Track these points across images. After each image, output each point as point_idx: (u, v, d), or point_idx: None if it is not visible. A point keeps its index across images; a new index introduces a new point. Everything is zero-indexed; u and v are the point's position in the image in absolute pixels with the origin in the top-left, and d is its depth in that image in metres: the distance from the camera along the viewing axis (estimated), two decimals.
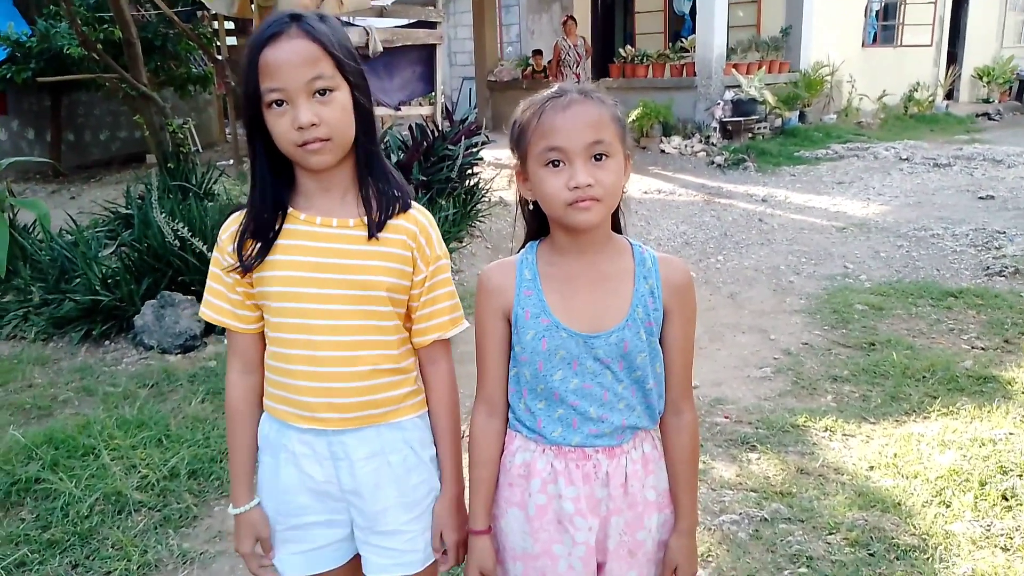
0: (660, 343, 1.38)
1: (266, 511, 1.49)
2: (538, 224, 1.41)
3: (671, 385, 1.41)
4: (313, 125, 1.28)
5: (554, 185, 1.27)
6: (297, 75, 1.27)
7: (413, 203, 1.44)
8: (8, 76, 9.53)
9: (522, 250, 1.42)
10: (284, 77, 1.27)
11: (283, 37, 1.28)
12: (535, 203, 1.36)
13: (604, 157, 1.27)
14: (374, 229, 1.37)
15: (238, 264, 1.38)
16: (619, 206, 1.38)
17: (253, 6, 5.87)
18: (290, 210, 1.39)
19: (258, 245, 1.37)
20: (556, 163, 1.27)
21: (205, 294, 1.46)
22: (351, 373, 1.38)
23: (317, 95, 1.29)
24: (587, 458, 1.37)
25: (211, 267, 1.45)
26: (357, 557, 1.53)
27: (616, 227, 1.42)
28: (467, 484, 1.49)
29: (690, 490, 1.44)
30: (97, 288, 4.58)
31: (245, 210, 1.41)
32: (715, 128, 11.08)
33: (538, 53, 14.03)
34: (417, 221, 1.42)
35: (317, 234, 1.37)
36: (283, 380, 1.41)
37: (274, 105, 1.29)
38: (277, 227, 1.37)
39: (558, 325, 1.33)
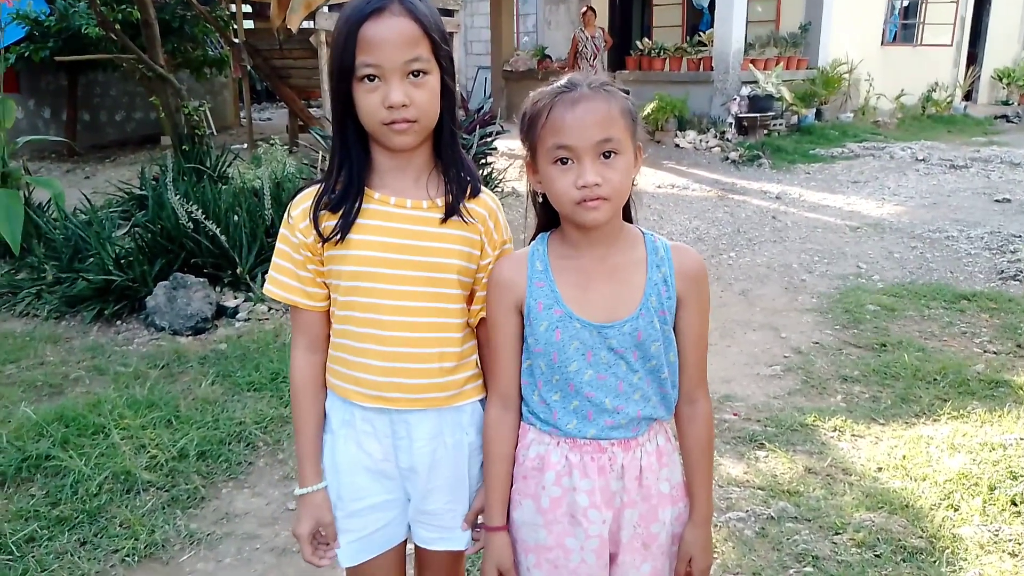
0: (674, 332, 1.38)
1: (329, 495, 1.49)
2: (549, 216, 1.40)
3: (685, 374, 1.41)
4: (404, 106, 1.27)
5: (562, 183, 1.27)
6: (396, 54, 1.27)
7: (483, 187, 1.45)
8: (26, 55, 9.55)
9: (533, 242, 1.41)
10: (382, 54, 1.26)
11: (386, 13, 1.26)
12: (545, 195, 1.35)
13: (613, 154, 1.26)
14: (451, 211, 1.38)
15: (319, 239, 1.37)
16: (630, 197, 1.37)
17: None
18: (364, 189, 1.38)
19: (339, 220, 1.36)
20: (564, 160, 1.26)
21: (271, 271, 1.44)
22: (419, 354, 1.39)
23: (411, 76, 1.29)
24: (602, 451, 1.36)
25: (279, 244, 1.43)
26: (403, 544, 1.55)
27: (628, 216, 1.41)
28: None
29: (705, 481, 1.43)
30: (110, 268, 4.60)
31: (317, 186, 1.40)
32: (730, 124, 11.02)
33: (547, 57, 13.96)
34: (487, 205, 1.43)
35: (392, 214, 1.37)
36: (350, 358, 1.42)
37: (366, 80, 1.28)
38: (357, 205, 1.37)
39: (571, 316, 1.32)
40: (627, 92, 1.31)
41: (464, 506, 1.50)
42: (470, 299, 1.46)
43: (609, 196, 1.26)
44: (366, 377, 1.40)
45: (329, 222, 1.37)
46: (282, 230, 1.43)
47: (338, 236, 1.36)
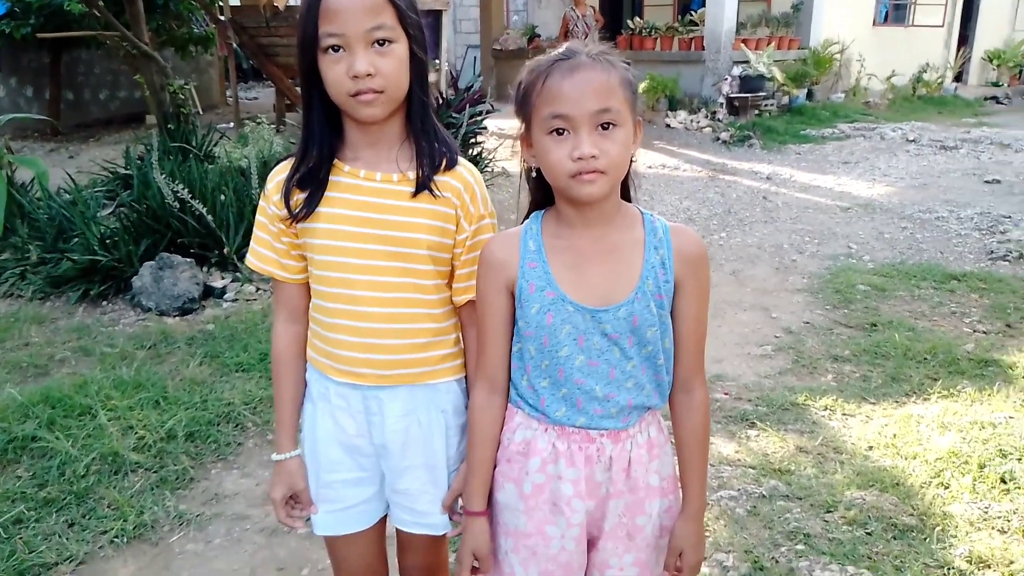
0: (671, 317, 1.32)
1: (305, 463, 1.50)
2: (543, 193, 1.35)
3: (682, 361, 1.35)
4: (369, 75, 1.24)
5: (557, 155, 1.21)
6: (358, 22, 1.24)
7: (460, 159, 1.40)
8: (7, 32, 9.39)
9: (526, 221, 1.36)
10: (344, 23, 1.24)
11: None
12: (539, 171, 1.30)
13: (611, 126, 1.20)
14: (422, 186, 1.34)
15: (287, 214, 1.36)
16: (629, 174, 1.32)
17: None
18: (335, 161, 1.36)
19: (306, 195, 1.35)
20: (560, 131, 1.20)
21: (251, 243, 1.45)
22: (390, 330, 1.37)
23: (376, 45, 1.25)
24: (591, 441, 1.32)
25: (257, 216, 1.43)
26: (383, 520, 1.55)
27: (626, 195, 1.35)
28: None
29: (699, 473, 1.38)
30: (95, 248, 4.54)
31: (291, 159, 1.39)
32: (722, 104, 10.98)
33: (537, 36, 13.86)
34: (463, 178, 1.39)
35: (361, 187, 1.35)
36: (324, 333, 1.41)
37: (330, 51, 1.26)
38: (324, 180, 1.35)
39: (564, 298, 1.27)
40: (628, 64, 1.26)
41: (441, 489, 1.48)
42: (452, 276, 1.44)
43: (606, 169, 1.20)
44: (338, 352, 1.40)
45: (300, 197, 1.36)
46: (260, 202, 1.43)
47: (303, 212, 1.35)
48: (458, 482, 1.47)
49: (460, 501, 1.47)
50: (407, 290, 1.38)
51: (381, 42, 1.25)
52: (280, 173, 1.39)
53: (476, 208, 1.40)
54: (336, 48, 1.25)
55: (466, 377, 1.48)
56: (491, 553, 1.41)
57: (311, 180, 1.35)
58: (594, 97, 1.19)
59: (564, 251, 1.30)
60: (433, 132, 1.38)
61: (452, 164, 1.38)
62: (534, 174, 1.33)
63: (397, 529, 1.55)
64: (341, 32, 1.24)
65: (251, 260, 1.45)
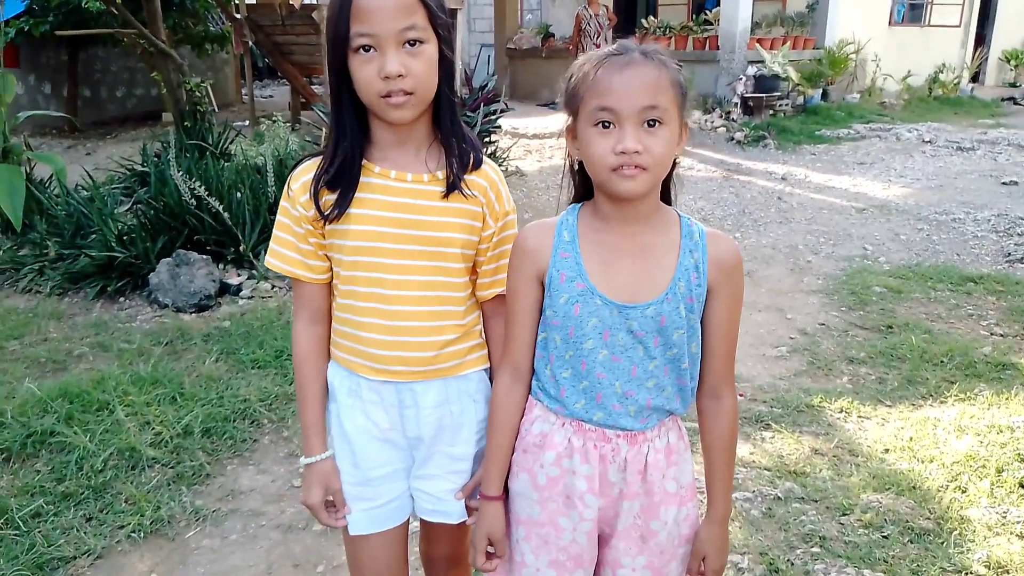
0: (701, 323, 1.32)
1: (337, 463, 1.49)
2: (586, 187, 1.35)
3: (711, 368, 1.34)
4: (400, 76, 1.24)
5: (601, 147, 1.21)
6: (390, 22, 1.23)
7: (484, 158, 1.42)
8: (26, 29, 9.47)
9: (564, 212, 1.36)
10: (376, 23, 1.23)
11: None
12: (583, 164, 1.30)
13: (657, 124, 1.20)
14: (452, 186, 1.35)
15: (318, 215, 1.35)
16: (671, 176, 1.31)
17: None
18: (364, 162, 1.36)
19: (336, 196, 1.35)
20: (606, 124, 1.21)
21: (272, 244, 1.44)
22: (421, 328, 1.39)
23: (407, 45, 1.25)
24: (607, 440, 1.32)
25: (279, 217, 1.42)
26: (406, 523, 1.55)
27: (666, 197, 1.35)
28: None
29: (725, 478, 1.38)
30: (112, 244, 4.57)
31: (316, 159, 1.38)
32: (736, 103, 10.92)
33: (551, 36, 13.85)
34: (488, 177, 1.41)
35: (393, 188, 1.35)
36: (353, 332, 1.41)
37: (361, 51, 1.25)
38: (356, 181, 1.35)
39: (593, 291, 1.27)
40: (680, 66, 1.26)
41: (463, 477, 1.49)
42: (474, 270, 1.45)
43: (648, 166, 1.20)
44: (370, 351, 1.40)
45: (329, 197, 1.35)
46: (283, 202, 1.42)
47: (335, 213, 1.35)
48: (478, 474, 1.48)
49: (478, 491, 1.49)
50: (438, 288, 1.39)
51: (412, 43, 1.25)
52: (306, 173, 1.38)
53: (501, 205, 1.42)
54: (367, 48, 1.25)
55: (491, 367, 1.50)
56: (504, 538, 1.42)
57: (342, 180, 1.35)
58: (642, 93, 1.19)
59: (598, 245, 1.30)
60: (461, 132, 1.38)
61: (479, 163, 1.40)
62: (577, 167, 1.33)
63: (421, 520, 1.56)
64: (373, 32, 1.23)
65: (272, 262, 1.44)
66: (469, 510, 1.50)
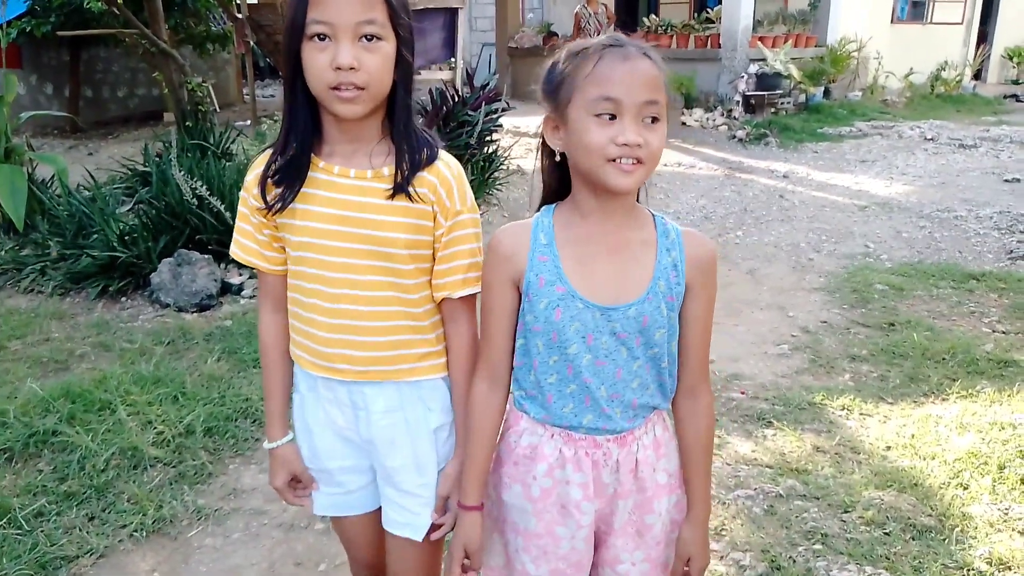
0: (679, 320, 1.31)
1: (299, 448, 1.52)
2: (558, 185, 1.32)
3: (688, 366, 1.33)
4: (352, 68, 1.22)
5: (600, 137, 1.17)
6: (349, 13, 1.21)
7: (442, 153, 1.36)
8: (28, 30, 9.48)
9: (538, 212, 1.33)
10: (335, 11, 1.21)
11: None
12: (558, 161, 1.27)
13: (655, 120, 1.19)
14: (399, 188, 1.31)
15: (264, 206, 1.36)
16: None
17: None
18: (312, 156, 1.35)
19: (282, 190, 1.34)
20: (611, 116, 1.17)
21: (235, 234, 1.45)
22: (367, 327, 1.36)
23: (364, 39, 1.23)
24: (597, 446, 1.31)
25: (239, 207, 1.43)
26: (379, 509, 1.54)
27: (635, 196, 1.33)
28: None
29: (704, 477, 1.37)
30: (114, 244, 4.58)
31: (271, 151, 1.38)
32: (738, 102, 10.92)
33: (553, 34, 13.83)
34: (439, 173, 1.34)
35: (335, 184, 1.34)
36: (301, 326, 1.42)
37: (316, 39, 1.22)
38: (303, 173, 1.34)
39: (574, 295, 1.24)
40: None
41: (430, 491, 1.45)
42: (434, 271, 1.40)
43: (645, 160, 1.18)
44: (312, 346, 1.40)
45: (277, 190, 1.35)
46: (241, 193, 1.42)
47: (279, 206, 1.34)
48: (443, 485, 1.45)
49: (451, 500, 1.45)
50: (385, 288, 1.35)
51: (369, 37, 1.23)
52: (259, 166, 1.38)
53: (452, 203, 1.35)
54: (322, 36, 1.22)
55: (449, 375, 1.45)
56: (480, 549, 1.40)
57: (288, 174, 1.33)
58: (645, 88, 1.18)
59: (576, 245, 1.27)
60: (414, 135, 1.34)
61: (432, 160, 1.34)
62: (557, 157, 1.29)
63: (386, 532, 1.51)
64: (329, 20, 1.21)
65: (234, 251, 1.45)
66: (434, 527, 1.46)
